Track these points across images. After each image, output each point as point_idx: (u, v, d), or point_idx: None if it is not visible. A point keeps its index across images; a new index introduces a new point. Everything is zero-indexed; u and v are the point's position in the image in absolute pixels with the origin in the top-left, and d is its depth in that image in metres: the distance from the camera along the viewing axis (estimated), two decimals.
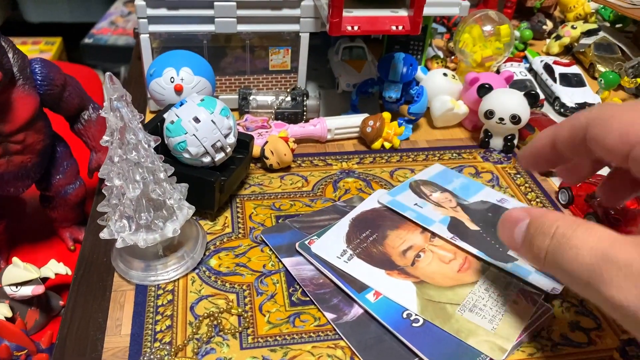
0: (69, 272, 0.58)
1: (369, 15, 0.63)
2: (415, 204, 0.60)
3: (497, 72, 0.83)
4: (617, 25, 1.04)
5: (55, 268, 0.58)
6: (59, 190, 0.63)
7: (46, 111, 0.59)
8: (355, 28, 0.62)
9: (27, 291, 0.55)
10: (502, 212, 0.45)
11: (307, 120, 0.73)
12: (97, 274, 0.53)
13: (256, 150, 0.65)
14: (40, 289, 0.55)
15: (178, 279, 0.51)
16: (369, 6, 0.64)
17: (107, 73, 0.42)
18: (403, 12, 0.63)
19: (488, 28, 0.76)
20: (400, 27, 0.63)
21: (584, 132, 0.38)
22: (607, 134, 0.35)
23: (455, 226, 0.57)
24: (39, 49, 1.98)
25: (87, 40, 1.79)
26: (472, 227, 0.57)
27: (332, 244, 0.54)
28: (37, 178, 0.61)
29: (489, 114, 0.69)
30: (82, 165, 0.66)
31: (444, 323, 0.47)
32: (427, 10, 0.72)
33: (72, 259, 0.65)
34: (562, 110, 0.81)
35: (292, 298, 0.50)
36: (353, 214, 0.58)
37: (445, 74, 0.75)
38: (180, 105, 0.53)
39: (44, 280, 0.58)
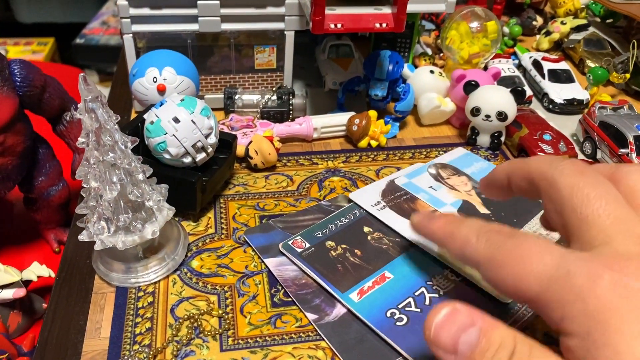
0: (52, 275, 0.58)
1: (352, 12, 0.62)
2: (430, 187, 0.62)
3: (485, 68, 0.82)
4: (608, 21, 1.04)
5: (37, 270, 0.57)
6: (41, 192, 0.62)
7: (27, 113, 0.59)
8: (339, 26, 0.61)
9: (8, 294, 0.55)
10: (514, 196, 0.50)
11: (293, 119, 0.72)
12: (80, 276, 0.53)
13: (240, 150, 0.64)
14: (21, 292, 0.55)
15: (159, 281, 0.51)
16: (352, 4, 0.63)
17: (81, 74, 0.41)
18: (387, 10, 0.63)
19: (475, 25, 0.76)
20: (384, 25, 0.62)
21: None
22: (500, 281, 0.35)
23: (465, 209, 0.59)
24: (32, 50, 1.97)
25: (78, 41, 1.79)
26: (483, 210, 0.59)
27: (368, 196, 0.60)
28: (19, 180, 0.60)
29: (475, 111, 0.68)
30: (65, 166, 0.66)
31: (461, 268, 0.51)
32: (413, 7, 0.72)
33: (57, 260, 0.64)
34: (550, 106, 0.81)
35: (274, 299, 0.50)
36: (391, 177, 0.64)
37: (432, 72, 0.74)
38: (160, 106, 0.53)
39: (26, 283, 0.57)
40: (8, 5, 2.13)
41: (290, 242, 0.54)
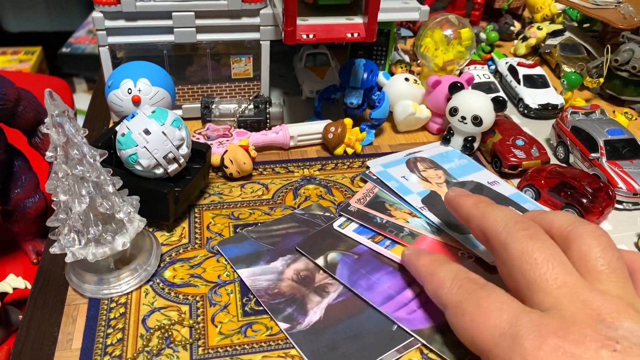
0: (28, 286, 0.58)
1: (324, 23, 0.63)
2: (403, 176, 0.65)
3: (460, 74, 0.83)
4: (585, 25, 1.05)
5: (13, 282, 0.58)
6: (18, 205, 0.63)
7: (2, 126, 0.59)
8: (311, 36, 0.62)
9: None
10: (485, 191, 0.62)
11: (270, 128, 0.73)
12: (55, 287, 0.53)
13: (216, 159, 0.65)
14: None
15: (131, 292, 0.51)
16: (324, 14, 0.64)
17: (47, 90, 0.42)
18: (358, 20, 0.64)
19: (449, 32, 0.77)
20: (355, 35, 0.63)
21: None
22: (460, 327, 0.40)
23: (430, 198, 0.62)
24: (19, 59, 1.97)
25: (64, 50, 1.79)
26: None
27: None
28: None
29: (453, 111, 0.69)
30: (42, 178, 0.66)
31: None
32: (387, 16, 0.73)
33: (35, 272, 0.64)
34: (525, 111, 0.82)
35: (245, 308, 0.50)
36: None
37: (407, 79, 0.75)
38: (132, 118, 0.54)
39: (2, 295, 0.58)
40: None
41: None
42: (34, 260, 0.68)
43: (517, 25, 1.04)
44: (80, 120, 0.83)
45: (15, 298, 0.63)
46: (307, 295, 0.51)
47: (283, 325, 0.48)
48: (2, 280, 0.58)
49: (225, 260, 0.55)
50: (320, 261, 0.54)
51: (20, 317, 0.62)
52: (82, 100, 1.87)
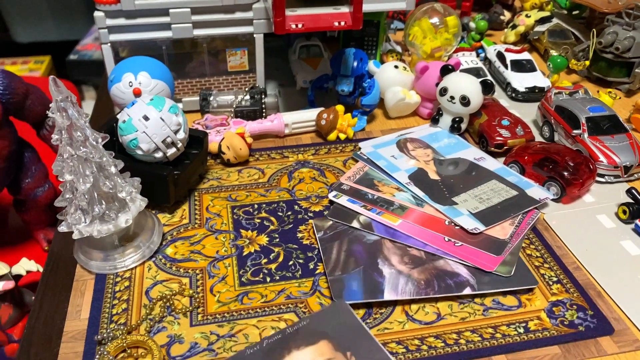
0: (40, 269, 0.62)
1: (312, 13, 0.66)
2: (392, 156, 0.69)
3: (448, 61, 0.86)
4: (575, 12, 1.07)
5: (26, 265, 0.61)
6: (28, 194, 0.66)
7: (12, 119, 0.63)
8: (300, 26, 0.65)
9: None
10: (470, 166, 0.66)
11: (266, 117, 0.76)
12: (65, 268, 0.57)
13: (214, 147, 0.69)
14: (10, 284, 0.59)
15: (135, 267, 0.55)
16: (312, 5, 0.67)
17: (51, 77, 0.46)
18: (345, 9, 0.67)
19: (435, 20, 0.80)
20: (342, 23, 0.66)
21: None
22: None
23: (417, 174, 0.66)
24: (29, 68, 2.02)
25: (72, 57, 1.84)
26: (434, 177, 0.66)
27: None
28: (7, 183, 0.64)
29: (443, 91, 0.72)
30: (50, 168, 0.70)
31: None
32: (375, 6, 0.76)
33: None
34: (513, 95, 0.84)
35: (242, 279, 0.54)
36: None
37: (396, 66, 0.78)
38: (132, 105, 0.57)
39: (17, 278, 0.61)
40: (5, 26, 2.18)
41: None
42: (45, 248, 0.72)
43: (507, 15, 1.06)
44: None
45: (30, 282, 0.66)
46: None
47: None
48: (16, 264, 0.62)
49: (224, 237, 0.58)
50: (355, 224, 0.58)
51: (33, 297, 0.65)
52: (91, 107, 1.91)
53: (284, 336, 0.46)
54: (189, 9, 0.72)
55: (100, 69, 0.74)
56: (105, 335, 0.48)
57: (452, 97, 0.72)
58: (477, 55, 0.93)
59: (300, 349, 0.45)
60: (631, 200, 0.61)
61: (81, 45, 1.87)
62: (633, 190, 0.61)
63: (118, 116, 0.59)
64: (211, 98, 0.76)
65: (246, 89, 0.78)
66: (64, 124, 0.47)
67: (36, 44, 2.17)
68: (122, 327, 0.48)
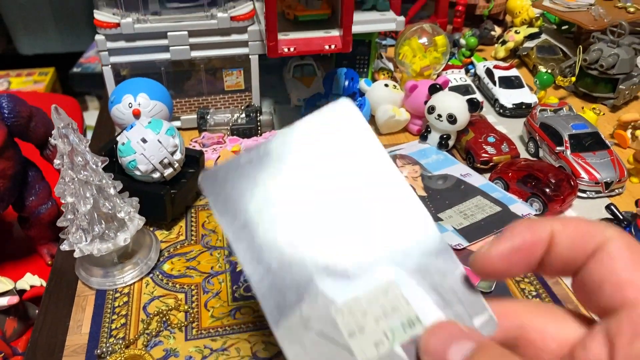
0: (44, 284, 0.64)
1: (304, 37, 0.69)
2: None
3: (437, 79, 0.89)
4: (564, 27, 1.10)
5: (30, 280, 0.64)
6: (32, 211, 0.69)
7: (17, 140, 0.66)
8: (292, 49, 0.68)
9: (3, 302, 0.62)
10: (456, 183, 0.67)
11: (261, 135, 0.79)
12: (67, 283, 0.60)
13: (210, 164, 0.71)
14: (15, 299, 0.62)
15: (133, 283, 0.57)
16: (304, 28, 0.70)
17: (53, 105, 0.49)
18: (335, 32, 0.70)
19: (424, 40, 0.82)
20: (332, 46, 0.69)
21: None
22: None
23: None
24: (33, 80, 2.06)
25: (75, 70, 1.87)
26: (421, 193, 0.68)
27: None
28: (11, 201, 0.67)
29: (431, 109, 0.75)
30: (54, 186, 0.73)
31: None
32: (366, 27, 0.79)
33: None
34: (501, 111, 0.87)
35: (235, 294, 0.56)
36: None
37: (386, 85, 0.81)
38: (130, 128, 0.60)
39: (21, 292, 0.64)
40: (10, 38, 2.23)
41: None
42: (49, 262, 0.75)
43: (497, 30, 1.09)
44: (91, 134, 0.91)
45: (33, 296, 0.69)
46: None
47: None
48: (20, 279, 0.65)
49: (218, 253, 0.61)
50: None
51: (37, 311, 0.68)
52: (94, 116, 1.95)
53: None
54: (186, 32, 0.75)
55: (103, 81, 0.77)
56: (104, 349, 0.50)
57: (439, 115, 0.74)
58: (467, 72, 0.96)
59: None
60: (610, 217, 0.64)
61: (84, 58, 1.91)
62: (612, 207, 0.63)
63: (118, 138, 0.61)
64: (208, 116, 0.79)
65: (242, 108, 0.81)
66: (66, 150, 0.50)
67: (41, 55, 2.21)
68: (120, 342, 0.51)
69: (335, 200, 0.29)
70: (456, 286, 0.30)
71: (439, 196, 0.68)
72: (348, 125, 0.30)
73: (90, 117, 1.94)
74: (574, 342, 0.26)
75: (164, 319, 0.54)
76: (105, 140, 0.84)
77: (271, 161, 0.29)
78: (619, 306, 0.24)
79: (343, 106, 0.30)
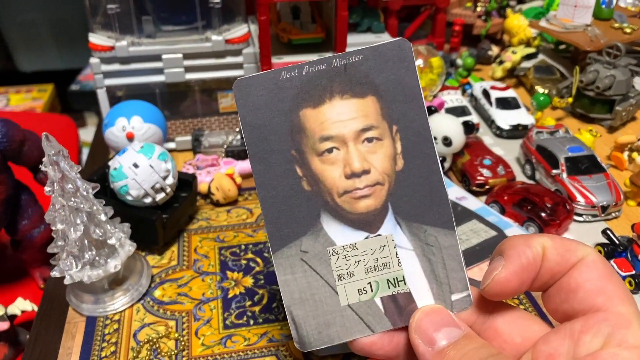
0: (35, 309, 0.64)
1: (297, 60, 0.69)
2: None
3: (433, 100, 0.89)
4: (561, 47, 1.10)
5: (21, 305, 0.63)
6: (25, 235, 0.69)
7: (9, 164, 0.66)
8: None
9: None
10: (452, 206, 0.61)
11: None
12: (58, 308, 0.59)
13: (204, 188, 0.71)
14: (5, 325, 0.61)
15: (124, 310, 0.57)
16: (299, 52, 0.70)
17: (44, 133, 0.48)
18: (329, 55, 0.70)
19: (420, 62, 0.82)
20: None
21: None
22: None
23: None
24: (32, 97, 2.07)
25: (73, 87, 1.88)
26: None
27: None
28: (4, 225, 0.67)
29: None
30: (47, 210, 0.72)
31: None
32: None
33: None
34: (498, 132, 0.87)
35: (226, 322, 0.56)
36: None
37: None
38: (123, 153, 0.60)
39: (12, 317, 0.63)
40: (9, 55, 2.24)
41: None
42: (41, 286, 0.74)
43: (495, 50, 1.09)
44: (87, 151, 0.90)
45: (24, 320, 0.68)
46: None
47: None
48: (11, 304, 0.64)
49: (210, 279, 0.60)
50: None
51: (28, 336, 0.67)
52: (92, 133, 1.95)
53: (329, 68, 0.36)
54: (180, 55, 0.75)
55: None
56: None
57: (434, 138, 0.74)
58: (464, 92, 0.96)
59: (344, 97, 0.35)
60: (606, 241, 0.63)
61: (82, 75, 1.92)
62: (608, 231, 0.63)
63: (110, 163, 0.61)
64: (203, 138, 0.79)
65: (237, 130, 0.81)
66: (56, 177, 0.49)
67: (40, 72, 2.22)
68: None
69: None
70: (447, 261, 0.34)
71: None
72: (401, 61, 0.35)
73: (89, 133, 1.94)
74: (537, 339, 0.30)
75: (154, 347, 0.53)
76: (99, 161, 0.84)
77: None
78: (588, 310, 0.28)
79: (402, 44, 0.35)
